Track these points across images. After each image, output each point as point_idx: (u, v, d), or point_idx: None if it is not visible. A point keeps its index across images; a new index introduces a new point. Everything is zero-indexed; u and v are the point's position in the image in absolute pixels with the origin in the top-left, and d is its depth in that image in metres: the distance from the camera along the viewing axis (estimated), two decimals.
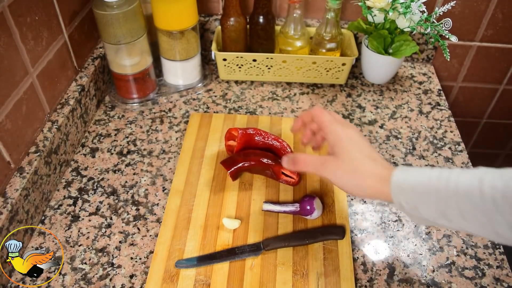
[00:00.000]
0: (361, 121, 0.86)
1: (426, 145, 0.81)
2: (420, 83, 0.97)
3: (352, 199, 0.71)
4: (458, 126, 0.86)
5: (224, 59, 0.90)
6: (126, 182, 0.73)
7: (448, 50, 0.83)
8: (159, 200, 0.70)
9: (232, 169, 0.68)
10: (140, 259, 0.63)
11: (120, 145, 0.80)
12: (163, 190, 0.72)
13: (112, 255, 0.63)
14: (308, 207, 0.65)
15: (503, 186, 0.41)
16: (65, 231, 0.66)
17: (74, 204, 0.70)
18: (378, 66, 0.92)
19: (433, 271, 0.62)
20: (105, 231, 0.66)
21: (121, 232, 0.66)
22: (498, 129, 1.19)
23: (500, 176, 0.42)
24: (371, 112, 0.88)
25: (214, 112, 0.87)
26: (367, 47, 0.90)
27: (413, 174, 0.48)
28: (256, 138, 0.72)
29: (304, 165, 0.56)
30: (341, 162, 0.52)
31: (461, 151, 0.80)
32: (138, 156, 0.78)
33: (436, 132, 0.84)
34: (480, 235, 0.45)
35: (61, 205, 0.70)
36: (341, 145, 0.53)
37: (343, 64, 0.90)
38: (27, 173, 0.63)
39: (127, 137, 0.81)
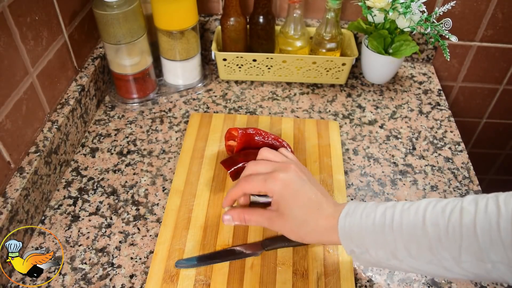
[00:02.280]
0: (361, 121, 0.86)
1: (426, 145, 0.81)
2: (420, 83, 0.97)
3: (352, 199, 0.71)
4: (458, 126, 0.86)
5: (224, 59, 0.90)
6: (126, 182, 0.73)
7: (448, 50, 0.83)
8: (159, 200, 0.71)
9: (232, 169, 0.68)
10: (140, 259, 0.63)
11: (120, 145, 0.80)
12: (163, 190, 0.72)
13: (112, 255, 0.63)
14: None
15: (445, 223, 0.43)
16: (65, 231, 0.66)
17: (74, 204, 0.70)
18: (378, 66, 0.92)
19: None
20: (105, 231, 0.66)
21: (121, 232, 0.66)
22: (498, 129, 1.19)
23: (441, 212, 0.44)
24: (371, 112, 0.88)
25: (214, 112, 0.87)
26: (367, 47, 0.90)
27: (358, 218, 0.49)
28: (256, 138, 0.72)
29: (249, 222, 0.57)
30: (285, 220, 0.53)
31: (461, 151, 0.80)
32: (138, 156, 0.78)
33: (436, 132, 0.84)
34: (431, 272, 0.46)
35: (61, 205, 0.70)
36: (282, 203, 0.53)
37: (343, 64, 0.90)
38: (27, 173, 0.63)
39: (127, 137, 0.81)
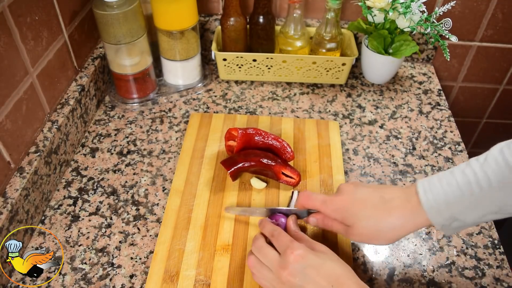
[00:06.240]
0: (361, 121, 0.86)
1: (426, 145, 0.81)
2: (420, 83, 0.97)
3: None
4: (458, 126, 0.86)
5: (224, 59, 0.90)
6: (126, 182, 0.73)
7: (448, 50, 0.83)
8: (159, 200, 0.71)
9: (232, 169, 0.68)
10: (140, 259, 0.63)
11: (120, 145, 0.80)
12: (163, 190, 0.72)
13: (112, 255, 0.63)
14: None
15: None
16: (65, 231, 0.66)
17: (74, 204, 0.70)
18: (378, 66, 0.92)
19: (433, 271, 0.62)
20: (105, 231, 0.66)
21: (121, 232, 0.66)
22: (498, 129, 1.19)
23: None
24: (371, 112, 0.88)
25: (214, 112, 0.87)
26: (367, 47, 0.90)
27: (440, 189, 0.48)
28: (256, 138, 0.72)
29: (330, 228, 0.57)
30: (360, 230, 0.52)
31: (461, 151, 0.80)
32: (138, 156, 0.78)
33: (436, 132, 0.84)
34: None
35: (61, 205, 0.70)
36: (348, 217, 0.53)
37: (343, 64, 0.90)
38: (27, 173, 0.63)
39: (127, 137, 0.81)
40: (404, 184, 0.74)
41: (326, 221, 0.57)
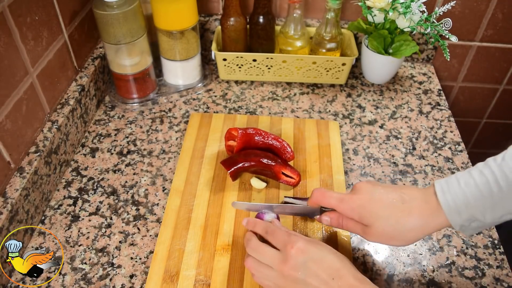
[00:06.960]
0: (361, 121, 0.86)
1: (426, 145, 0.81)
2: (420, 83, 0.97)
3: None
4: (458, 126, 0.86)
5: (224, 59, 0.90)
6: (126, 182, 0.73)
7: (448, 50, 0.83)
8: (159, 200, 0.71)
9: (232, 169, 0.68)
10: (140, 259, 0.63)
11: (120, 145, 0.80)
12: (163, 190, 0.72)
13: (112, 255, 0.63)
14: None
15: None
16: (65, 231, 0.66)
17: (74, 204, 0.70)
18: (378, 66, 0.92)
19: (433, 271, 0.62)
20: (105, 231, 0.66)
21: (121, 232, 0.66)
22: (498, 129, 1.19)
23: None
24: (371, 112, 0.88)
25: (214, 112, 0.87)
26: (367, 47, 0.90)
27: (457, 190, 0.47)
28: (256, 138, 0.72)
29: (345, 227, 0.56)
30: (379, 230, 0.51)
31: (461, 151, 0.80)
32: (138, 156, 0.78)
33: (436, 132, 0.84)
34: None
35: (61, 205, 0.70)
36: (367, 216, 0.52)
37: (343, 64, 0.90)
38: (27, 173, 0.63)
39: (127, 137, 0.81)
40: (404, 184, 0.74)
41: (340, 221, 0.56)
